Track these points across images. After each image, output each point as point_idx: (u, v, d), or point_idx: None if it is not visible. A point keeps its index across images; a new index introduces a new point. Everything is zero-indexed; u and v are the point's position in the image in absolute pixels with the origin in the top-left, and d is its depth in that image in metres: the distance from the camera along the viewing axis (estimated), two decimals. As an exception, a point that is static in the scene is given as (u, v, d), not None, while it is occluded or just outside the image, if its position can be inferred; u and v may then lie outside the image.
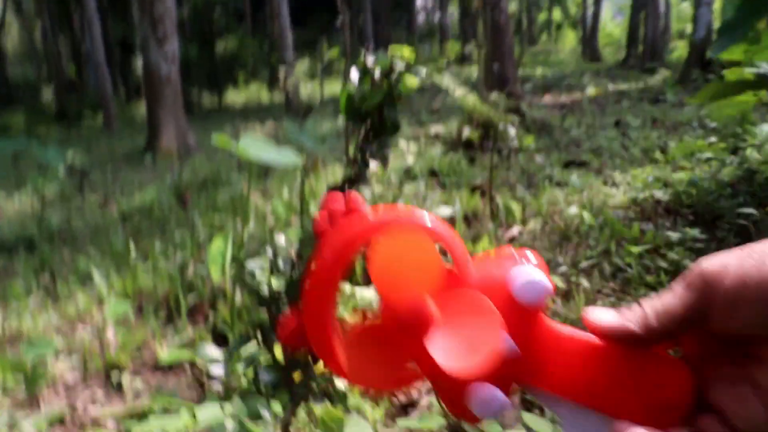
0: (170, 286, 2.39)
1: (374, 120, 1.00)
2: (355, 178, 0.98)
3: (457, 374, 0.37)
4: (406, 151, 4.66)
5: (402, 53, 0.93)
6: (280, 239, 1.04)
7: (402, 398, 1.59)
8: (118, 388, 1.83)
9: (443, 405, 0.43)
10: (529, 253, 0.43)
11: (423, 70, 0.95)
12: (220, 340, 1.98)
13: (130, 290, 2.43)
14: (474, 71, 11.91)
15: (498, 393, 0.39)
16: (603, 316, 0.41)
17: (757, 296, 0.35)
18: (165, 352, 1.16)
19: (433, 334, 0.39)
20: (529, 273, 0.41)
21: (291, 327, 0.44)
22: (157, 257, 2.75)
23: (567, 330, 0.41)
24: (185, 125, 6.59)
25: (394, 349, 0.41)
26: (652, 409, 0.40)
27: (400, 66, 0.91)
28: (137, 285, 2.46)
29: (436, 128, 5.33)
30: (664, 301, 0.40)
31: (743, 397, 0.38)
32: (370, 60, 0.92)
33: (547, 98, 8.28)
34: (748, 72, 2.79)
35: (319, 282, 0.41)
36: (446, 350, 0.38)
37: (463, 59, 16.11)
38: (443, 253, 0.42)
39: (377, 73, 0.93)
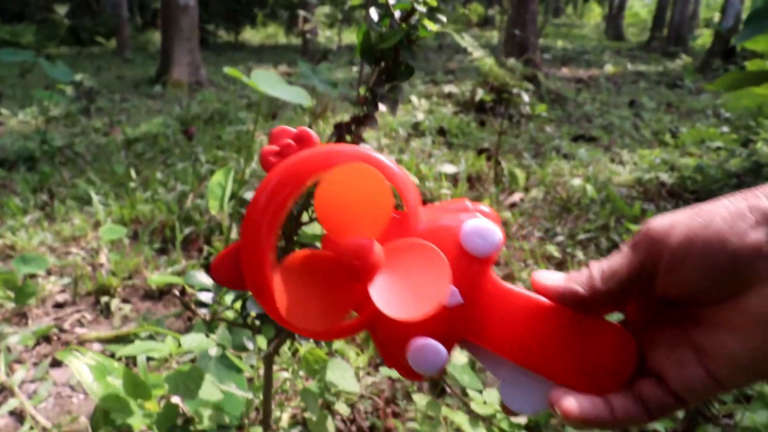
0: (167, 216, 2.39)
1: (389, 62, 0.98)
2: (364, 119, 0.97)
3: (399, 320, 0.36)
4: (417, 106, 4.62)
5: (424, -2, 0.91)
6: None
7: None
8: (107, 312, 1.84)
9: (383, 359, 0.42)
10: (483, 206, 0.42)
11: (443, 17, 0.93)
12: (212, 274, 1.98)
13: (128, 217, 2.43)
14: (495, 36, 11.76)
15: (439, 347, 0.39)
16: (550, 277, 0.41)
17: (702, 256, 0.35)
18: (156, 276, 1.16)
19: (377, 280, 0.37)
20: (480, 224, 0.40)
21: (225, 260, 0.42)
22: (157, 186, 2.75)
23: (515, 289, 0.41)
24: (198, 58, 6.51)
25: (334, 292, 0.39)
26: (593, 374, 0.39)
27: (421, 9, 0.89)
28: (135, 212, 2.46)
29: (450, 88, 5.27)
30: (611, 263, 0.39)
31: (683, 361, 0.38)
32: (391, 0, 0.90)
33: (565, 71, 8.18)
34: (771, 64, 2.75)
35: (257, 215, 0.39)
36: (389, 297, 0.37)
37: (485, 23, 15.90)
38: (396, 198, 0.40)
39: (397, 15, 0.91)
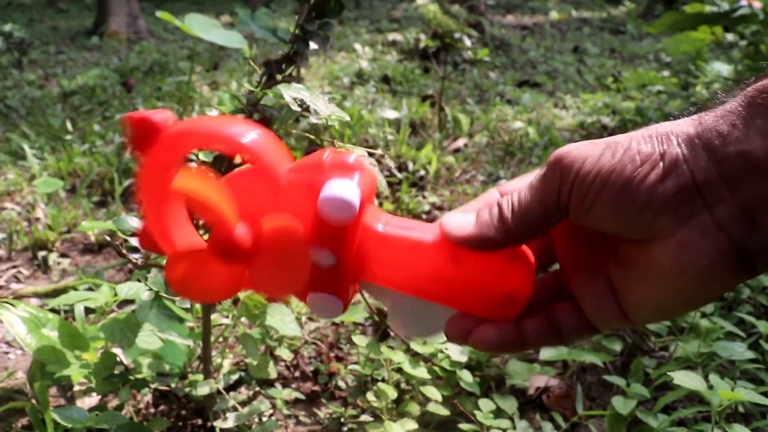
0: (106, 169, 2.33)
1: (318, -1, 0.95)
2: (294, 56, 0.95)
3: (279, 299, 0.39)
4: (361, 54, 4.57)
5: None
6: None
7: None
8: (45, 266, 1.80)
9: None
10: (345, 156, 0.41)
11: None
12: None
13: (65, 170, 2.36)
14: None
15: (331, 299, 0.41)
16: (459, 222, 0.40)
17: (613, 200, 0.35)
18: (86, 223, 1.13)
19: (251, 266, 0.40)
20: (333, 193, 0.38)
21: (144, 231, 0.44)
22: (95, 139, 2.67)
23: (393, 232, 0.41)
24: (137, 9, 6.29)
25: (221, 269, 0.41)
26: (490, 300, 0.39)
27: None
28: (72, 165, 2.39)
29: (395, 36, 5.22)
30: (521, 198, 0.38)
31: (600, 294, 0.39)
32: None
33: (510, 18, 8.16)
34: (707, 9, 2.79)
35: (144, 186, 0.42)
36: (263, 279, 0.40)
37: (430, -29, 15.70)
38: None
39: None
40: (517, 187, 0.40)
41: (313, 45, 0.94)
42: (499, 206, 0.39)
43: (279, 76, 0.93)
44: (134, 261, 0.96)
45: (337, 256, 0.39)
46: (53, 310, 1.50)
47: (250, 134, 0.39)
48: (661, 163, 0.33)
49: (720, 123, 0.33)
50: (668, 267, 0.34)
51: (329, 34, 0.96)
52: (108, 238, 0.99)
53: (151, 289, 0.95)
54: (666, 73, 4.10)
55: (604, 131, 2.85)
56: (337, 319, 1.29)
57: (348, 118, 0.85)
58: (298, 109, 0.81)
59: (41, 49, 5.35)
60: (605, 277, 0.39)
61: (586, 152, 0.36)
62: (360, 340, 1.14)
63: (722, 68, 3.38)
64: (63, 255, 1.86)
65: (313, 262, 0.39)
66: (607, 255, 0.39)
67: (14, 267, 1.79)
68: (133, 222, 1.01)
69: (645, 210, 0.33)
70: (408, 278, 0.41)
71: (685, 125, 0.34)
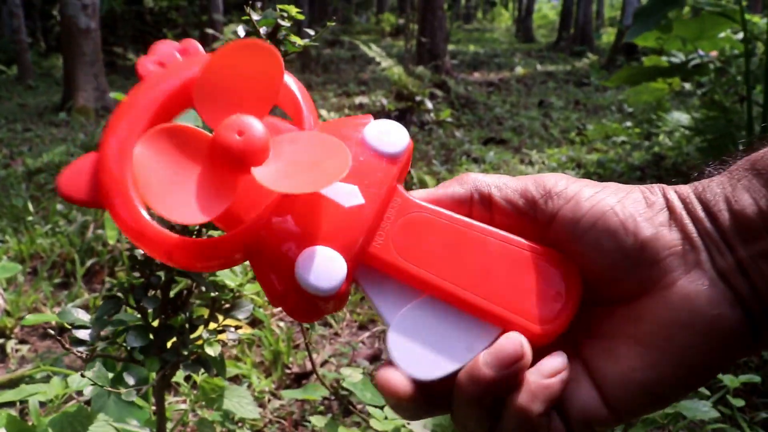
0: (68, 249, 2.29)
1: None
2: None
3: (286, 229, 0.31)
4: (327, 120, 4.60)
5: (290, 11, 0.89)
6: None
7: (296, 369, 1.57)
8: (2, 354, 1.75)
9: (268, 296, 0.34)
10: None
11: (311, 32, 0.91)
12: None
13: (26, 252, 2.32)
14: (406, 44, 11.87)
15: (334, 255, 0.32)
16: (421, 192, 0.38)
17: (610, 233, 0.32)
18: (31, 317, 1.10)
19: (264, 164, 0.32)
20: (386, 122, 0.36)
21: (77, 171, 0.33)
22: (57, 219, 2.64)
23: (433, 206, 0.35)
24: (104, 83, 6.33)
25: (207, 184, 0.32)
26: (528, 311, 0.33)
27: (285, 24, 0.88)
28: (34, 247, 2.35)
29: (362, 99, 5.29)
30: (503, 184, 0.36)
31: (575, 381, 0.33)
32: (255, 17, 0.88)
33: (477, 75, 8.33)
34: (664, 60, 2.86)
35: (123, 118, 0.33)
36: (277, 177, 0.31)
37: (398, 32, 16.03)
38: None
39: (263, 31, 0.89)
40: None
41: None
42: (468, 173, 0.37)
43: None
44: (79, 354, 0.94)
45: (367, 198, 0.33)
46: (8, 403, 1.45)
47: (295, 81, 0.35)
48: (666, 210, 0.33)
49: (711, 184, 0.33)
50: (669, 321, 0.31)
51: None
52: (51, 331, 0.96)
53: (95, 384, 0.92)
54: (629, 123, 4.18)
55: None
56: (299, 396, 1.25)
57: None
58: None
59: (8, 127, 5.34)
60: (579, 359, 0.34)
61: (585, 183, 0.34)
62: (317, 420, 1.11)
63: (681, 117, 3.45)
64: (22, 341, 1.81)
65: (331, 197, 0.33)
66: (579, 331, 0.34)
67: (-30, 357, 1.73)
68: (78, 314, 0.99)
69: (648, 248, 0.32)
70: (439, 263, 0.33)
71: (682, 187, 0.34)
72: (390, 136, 0.35)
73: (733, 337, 0.31)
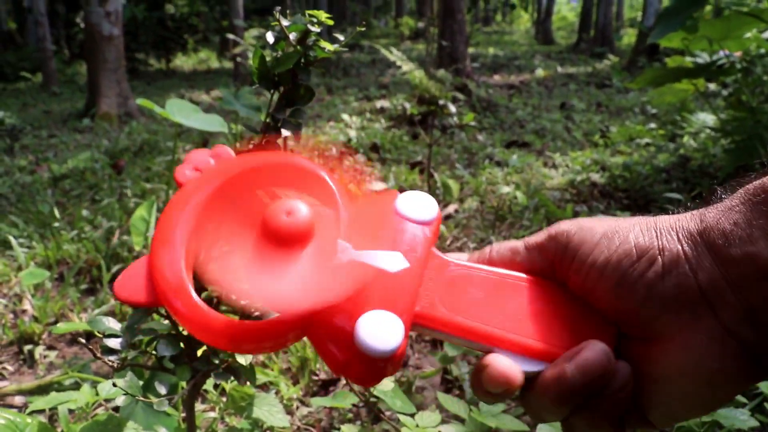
0: (94, 255, 2.31)
1: (287, 86, 0.95)
2: (265, 146, 0.94)
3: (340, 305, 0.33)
4: (349, 124, 4.61)
5: (319, 17, 0.88)
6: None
7: (323, 376, 1.56)
8: (31, 360, 1.76)
9: (329, 365, 0.35)
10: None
11: (341, 37, 0.91)
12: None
13: (53, 258, 2.34)
14: (427, 48, 11.88)
15: (392, 316, 0.34)
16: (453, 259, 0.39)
17: (614, 288, 0.33)
18: (62, 325, 1.10)
19: (308, 249, 0.35)
20: (415, 193, 0.38)
21: (132, 276, 0.35)
22: (83, 224, 2.66)
23: (470, 263, 0.38)
24: (127, 89, 6.38)
25: (263, 263, 0.35)
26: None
27: (315, 30, 0.87)
28: (60, 253, 2.37)
29: (383, 103, 5.28)
30: (512, 255, 0.38)
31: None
32: (285, 23, 0.88)
33: (497, 78, 8.30)
34: (688, 60, 2.82)
35: (170, 222, 0.36)
36: (323, 258, 0.34)
37: (417, 35, 16.03)
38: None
39: (292, 37, 0.88)
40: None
41: (285, 132, 0.93)
42: (490, 249, 0.39)
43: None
44: (110, 363, 0.93)
45: (411, 261, 0.36)
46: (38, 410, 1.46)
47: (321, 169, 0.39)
48: (659, 259, 0.32)
49: (722, 221, 0.31)
50: (674, 371, 0.32)
51: (301, 121, 0.95)
52: (82, 340, 0.96)
53: (127, 393, 0.92)
54: (653, 125, 4.13)
55: (594, 189, 2.85)
56: (328, 404, 1.25)
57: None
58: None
59: (33, 134, 5.40)
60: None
61: (582, 238, 0.35)
62: (348, 429, 1.10)
63: (707, 118, 3.41)
64: (50, 347, 1.82)
65: (378, 265, 0.34)
66: (617, 347, 0.36)
67: (-1, 363, 1.75)
68: (109, 322, 0.99)
69: (643, 308, 0.32)
70: (493, 312, 0.36)
71: (686, 221, 0.33)
72: (421, 205, 0.38)
73: (738, 381, 0.32)
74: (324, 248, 0.35)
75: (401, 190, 0.39)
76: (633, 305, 0.32)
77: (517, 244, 0.38)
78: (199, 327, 0.34)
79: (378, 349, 0.33)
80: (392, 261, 0.35)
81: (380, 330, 0.33)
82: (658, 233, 0.33)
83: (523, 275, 0.37)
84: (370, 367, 0.34)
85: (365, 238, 0.36)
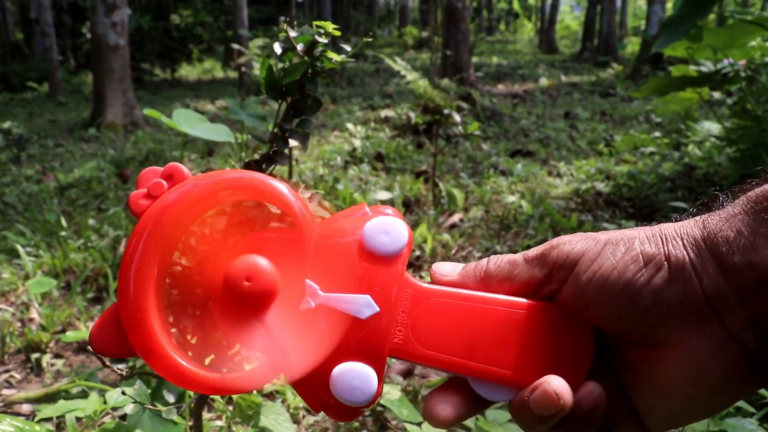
0: (100, 264, 2.32)
1: (295, 96, 0.96)
2: (273, 155, 0.95)
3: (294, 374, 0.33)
4: (354, 133, 4.62)
5: (326, 28, 0.89)
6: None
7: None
8: (38, 369, 1.76)
9: (308, 403, 0.37)
10: (385, 208, 0.39)
11: (346, 46, 0.92)
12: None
13: (60, 267, 2.35)
14: (431, 57, 11.91)
15: (365, 370, 0.34)
16: (445, 269, 0.39)
17: (612, 302, 0.33)
18: (71, 333, 1.11)
19: (271, 313, 0.34)
20: (384, 220, 0.36)
21: (105, 326, 0.35)
22: (89, 233, 2.67)
23: (442, 288, 0.37)
24: (133, 98, 6.41)
25: (233, 333, 0.35)
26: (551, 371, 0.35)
27: (322, 41, 0.88)
28: (67, 262, 2.38)
29: (387, 112, 5.29)
30: (510, 268, 0.37)
31: (610, 397, 0.35)
32: (292, 33, 0.88)
33: (501, 87, 8.31)
34: (692, 69, 2.83)
35: (128, 269, 0.34)
36: (277, 341, 0.34)
37: (421, 45, 16.08)
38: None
39: (300, 48, 0.89)
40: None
41: (292, 142, 0.94)
42: (488, 261, 0.38)
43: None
44: (118, 371, 0.94)
45: (379, 304, 0.35)
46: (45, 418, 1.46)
47: (281, 184, 0.37)
48: (666, 265, 0.32)
49: (725, 228, 0.31)
50: (678, 377, 0.32)
51: (308, 131, 0.96)
52: (90, 348, 0.96)
53: (136, 402, 0.92)
54: (657, 133, 4.14)
55: (599, 198, 2.85)
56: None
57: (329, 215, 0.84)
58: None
59: (40, 143, 5.42)
60: (614, 376, 0.36)
61: (584, 247, 0.34)
62: (357, 438, 1.10)
63: (712, 127, 3.41)
64: (57, 356, 1.83)
65: (349, 313, 0.35)
66: (614, 354, 0.36)
67: (6, 371, 1.75)
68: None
69: (648, 314, 0.32)
70: (459, 344, 0.36)
71: (690, 227, 0.33)
72: (390, 235, 0.36)
73: (741, 388, 0.32)
74: (292, 298, 0.35)
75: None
76: (639, 311, 0.32)
77: (516, 257, 0.37)
78: (178, 381, 0.34)
79: (353, 401, 0.34)
80: (363, 306, 0.35)
81: (355, 383, 0.34)
82: (664, 240, 0.33)
83: (501, 298, 0.36)
84: (347, 410, 0.36)
85: (332, 276, 0.35)
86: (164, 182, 0.38)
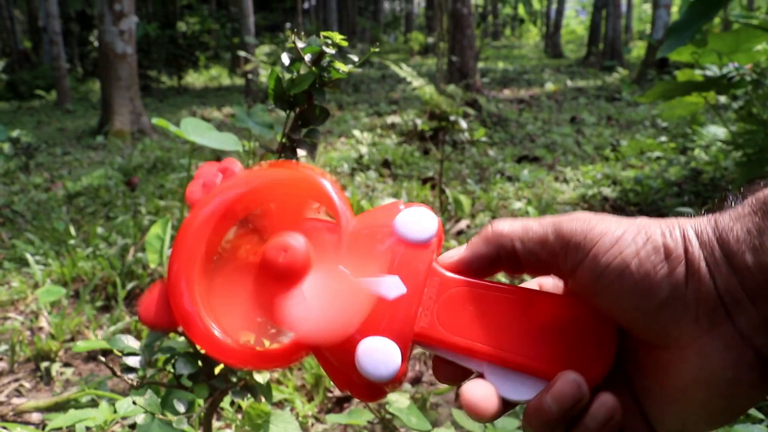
0: (109, 273, 2.33)
1: (303, 106, 0.97)
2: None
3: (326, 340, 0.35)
4: (360, 140, 4.63)
5: (334, 38, 0.90)
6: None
7: (338, 393, 1.56)
8: (48, 378, 1.77)
9: (334, 381, 0.39)
10: (418, 204, 0.40)
11: (352, 54, 0.92)
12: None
13: (68, 275, 2.36)
14: (437, 63, 11.91)
15: (389, 345, 0.36)
16: (452, 252, 0.39)
17: (629, 292, 0.32)
18: (81, 343, 1.12)
19: (302, 286, 0.36)
20: (415, 210, 0.39)
21: (154, 301, 0.39)
22: (98, 242, 2.68)
23: (470, 279, 0.38)
24: (140, 106, 6.44)
25: (265, 306, 0.37)
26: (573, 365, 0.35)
27: (330, 51, 0.88)
28: (76, 270, 2.39)
29: (393, 118, 5.30)
30: (527, 228, 0.37)
31: (622, 404, 0.34)
32: (300, 44, 0.89)
33: (507, 92, 8.31)
34: (698, 74, 2.83)
35: (183, 249, 0.38)
36: (306, 310, 0.35)
37: (426, 50, 16.10)
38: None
39: (307, 58, 0.90)
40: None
41: (300, 152, 0.94)
42: (492, 223, 0.38)
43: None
44: (129, 381, 0.94)
45: (408, 285, 0.37)
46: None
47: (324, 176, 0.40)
48: (684, 260, 0.31)
49: (735, 227, 0.31)
50: (689, 378, 0.32)
51: (316, 141, 0.96)
52: (102, 358, 0.97)
53: (146, 411, 0.93)
54: (663, 138, 4.13)
55: (606, 203, 2.85)
56: (344, 421, 1.25)
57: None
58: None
59: (48, 152, 5.45)
60: (627, 384, 0.35)
61: (604, 228, 0.33)
62: (366, 447, 1.10)
63: (718, 131, 3.41)
64: (66, 364, 1.84)
65: (377, 292, 0.36)
66: (626, 358, 0.36)
67: (16, 380, 1.76)
68: (129, 341, 1.00)
69: (664, 309, 0.31)
70: (486, 333, 0.36)
71: (704, 224, 0.32)
72: (420, 224, 0.38)
73: (753, 392, 0.31)
74: (325, 277, 0.36)
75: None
76: (655, 304, 0.31)
77: (530, 222, 0.37)
78: (214, 351, 0.36)
79: (377, 375, 0.35)
80: (391, 287, 0.36)
81: (379, 357, 0.35)
82: (683, 234, 0.32)
83: (523, 288, 0.38)
84: (371, 387, 0.37)
85: (364, 262, 0.37)
86: (220, 175, 0.42)
